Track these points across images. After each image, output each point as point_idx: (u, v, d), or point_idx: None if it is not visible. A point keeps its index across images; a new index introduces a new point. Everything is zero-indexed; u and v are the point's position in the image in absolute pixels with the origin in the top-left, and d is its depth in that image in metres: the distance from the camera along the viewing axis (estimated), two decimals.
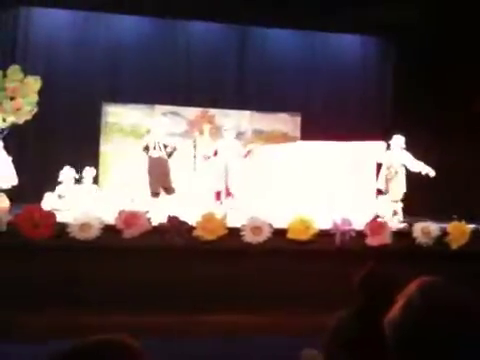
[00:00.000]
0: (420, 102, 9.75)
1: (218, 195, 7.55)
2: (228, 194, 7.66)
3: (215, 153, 7.85)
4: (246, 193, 7.80)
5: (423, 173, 7.57)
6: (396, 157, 7.72)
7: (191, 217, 6.35)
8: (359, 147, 7.84)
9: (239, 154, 7.87)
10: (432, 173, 7.53)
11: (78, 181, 7.75)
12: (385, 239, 6.62)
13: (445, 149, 9.36)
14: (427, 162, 7.67)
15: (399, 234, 6.85)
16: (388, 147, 7.82)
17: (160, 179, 7.30)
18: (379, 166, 7.90)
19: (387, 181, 7.69)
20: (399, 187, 7.70)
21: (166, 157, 7.33)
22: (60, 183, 7.62)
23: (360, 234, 6.64)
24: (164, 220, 6.28)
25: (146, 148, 7.30)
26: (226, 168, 7.68)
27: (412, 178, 7.88)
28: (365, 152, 7.83)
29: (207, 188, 7.87)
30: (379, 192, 7.82)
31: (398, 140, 7.76)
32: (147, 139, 7.44)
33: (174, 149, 7.36)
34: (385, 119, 10.40)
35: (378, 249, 6.51)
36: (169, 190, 7.37)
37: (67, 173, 7.69)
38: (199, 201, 7.76)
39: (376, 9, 8.79)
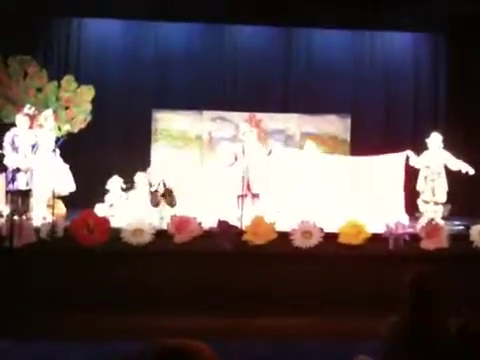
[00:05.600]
0: (474, 101, 9.41)
1: (241, 199, 7.37)
2: (253, 196, 7.52)
3: (235, 158, 7.61)
4: (269, 195, 7.70)
5: (463, 171, 7.41)
6: (435, 156, 7.55)
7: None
8: (381, 161, 7.85)
9: (260, 156, 7.71)
10: (471, 171, 7.38)
11: (125, 190, 7.86)
12: (441, 242, 6.40)
13: None
14: None
15: (455, 237, 6.62)
16: (417, 149, 7.70)
17: None
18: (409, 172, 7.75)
19: (428, 182, 7.50)
20: (442, 188, 7.51)
21: None
22: (108, 191, 7.77)
23: (415, 238, 6.46)
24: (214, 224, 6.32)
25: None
26: (248, 171, 7.50)
27: (469, 178, 7.64)
28: (388, 165, 7.77)
29: (231, 193, 7.66)
30: (418, 194, 7.63)
31: (436, 139, 7.60)
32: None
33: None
34: (438, 119, 10.09)
35: (433, 253, 6.31)
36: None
37: (115, 182, 7.82)
38: (222, 206, 7.61)
39: (428, 5, 8.55)
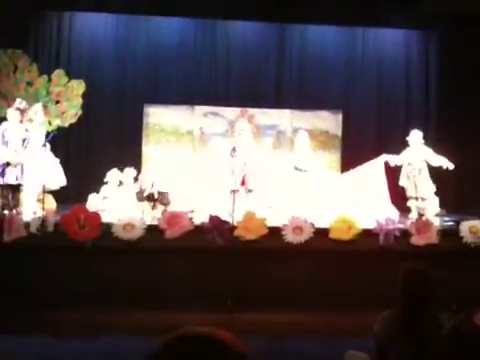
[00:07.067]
0: (465, 99, 9.45)
1: (233, 194, 7.36)
2: (248, 192, 7.53)
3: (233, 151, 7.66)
4: (262, 190, 7.72)
5: (444, 167, 7.46)
6: (416, 153, 7.59)
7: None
8: (362, 170, 7.90)
9: (255, 153, 7.71)
10: (451, 166, 7.42)
11: (121, 183, 7.82)
12: (431, 238, 6.44)
13: None
14: (471, 160, 7.47)
15: (445, 233, 6.65)
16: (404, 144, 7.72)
17: None
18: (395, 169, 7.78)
19: (410, 178, 7.55)
20: (425, 184, 7.54)
21: None
22: (106, 183, 7.72)
23: (405, 234, 6.49)
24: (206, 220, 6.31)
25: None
26: (244, 167, 7.50)
27: (460, 174, 7.69)
28: (369, 172, 7.82)
29: (224, 188, 7.66)
30: (403, 191, 7.67)
31: (416, 136, 7.65)
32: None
33: None
34: (429, 116, 10.13)
35: (424, 249, 6.34)
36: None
37: (114, 175, 7.77)
38: (216, 200, 7.61)
39: (420, 3, 8.56)
